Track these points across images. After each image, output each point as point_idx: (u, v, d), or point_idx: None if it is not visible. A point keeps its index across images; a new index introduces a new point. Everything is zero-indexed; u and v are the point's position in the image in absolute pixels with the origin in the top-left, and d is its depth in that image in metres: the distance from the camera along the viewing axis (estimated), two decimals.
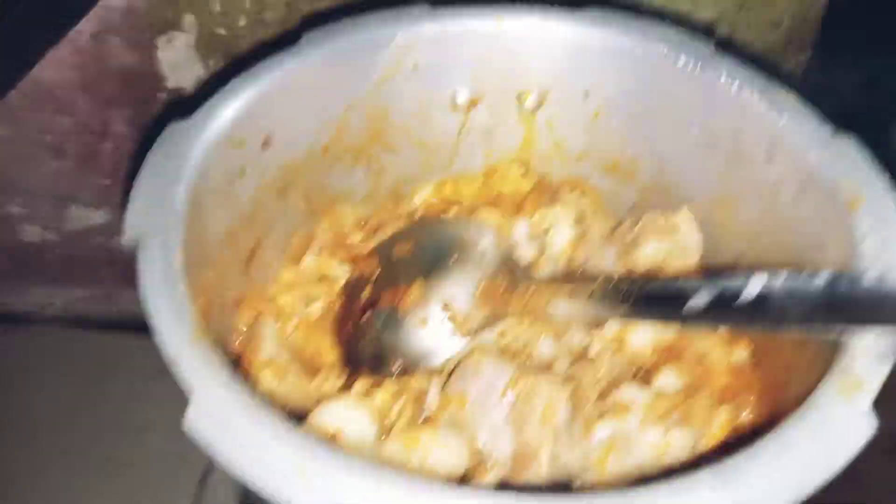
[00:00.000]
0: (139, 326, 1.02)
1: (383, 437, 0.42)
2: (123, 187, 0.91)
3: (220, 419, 0.29)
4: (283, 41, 0.45)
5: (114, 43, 0.76)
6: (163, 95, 0.79)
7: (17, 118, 0.83)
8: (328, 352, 0.47)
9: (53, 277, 1.04)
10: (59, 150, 0.86)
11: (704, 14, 0.63)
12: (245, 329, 0.45)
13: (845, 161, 0.40)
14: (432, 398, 0.43)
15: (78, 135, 0.85)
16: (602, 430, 0.40)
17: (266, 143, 0.44)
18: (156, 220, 0.36)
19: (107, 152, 0.87)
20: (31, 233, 0.97)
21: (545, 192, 0.55)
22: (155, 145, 0.39)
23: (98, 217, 0.94)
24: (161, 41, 0.74)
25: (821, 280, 0.32)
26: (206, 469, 0.93)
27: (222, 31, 0.72)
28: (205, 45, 0.73)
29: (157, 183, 0.37)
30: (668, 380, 0.43)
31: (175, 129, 0.40)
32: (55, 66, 0.79)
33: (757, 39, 0.66)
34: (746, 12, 0.64)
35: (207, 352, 0.31)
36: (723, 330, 0.46)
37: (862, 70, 0.86)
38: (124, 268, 0.99)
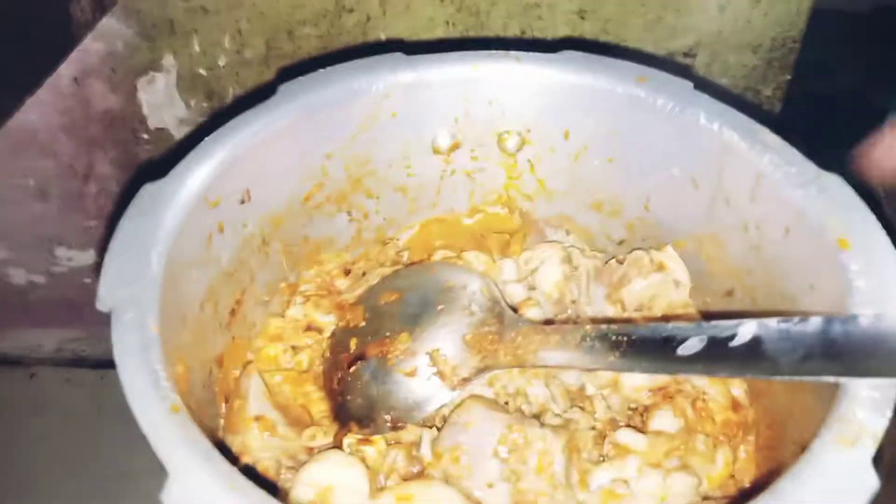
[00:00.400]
0: None
1: (376, 493, 0.41)
2: (109, 228, 0.90)
3: (199, 497, 0.28)
4: (259, 94, 0.45)
5: (95, 85, 0.75)
6: (145, 136, 0.78)
7: (3, 160, 0.83)
8: (317, 404, 0.46)
9: (42, 320, 1.03)
10: (42, 192, 0.86)
11: (684, 40, 0.63)
12: (230, 386, 0.44)
13: (832, 199, 0.39)
14: (424, 452, 0.42)
15: (62, 177, 0.84)
16: (601, 477, 0.40)
17: (245, 199, 0.44)
18: (130, 289, 0.35)
19: (91, 194, 0.86)
20: (17, 276, 0.97)
21: (531, 231, 0.54)
22: (128, 209, 0.39)
23: (85, 258, 0.94)
24: (142, 82, 0.74)
25: (814, 325, 0.32)
26: None
27: (202, 71, 0.72)
28: (186, 84, 0.73)
29: (130, 249, 0.37)
30: (665, 421, 0.43)
31: (148, 192, 0.40)
32: (37, 110, 0.79)
33: (737, 63, 0.65)
34: (725, 37, 0.63)
35: (185, 426, 0.30)
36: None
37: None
38: None
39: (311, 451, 0.44)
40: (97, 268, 0.93)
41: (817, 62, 0.70)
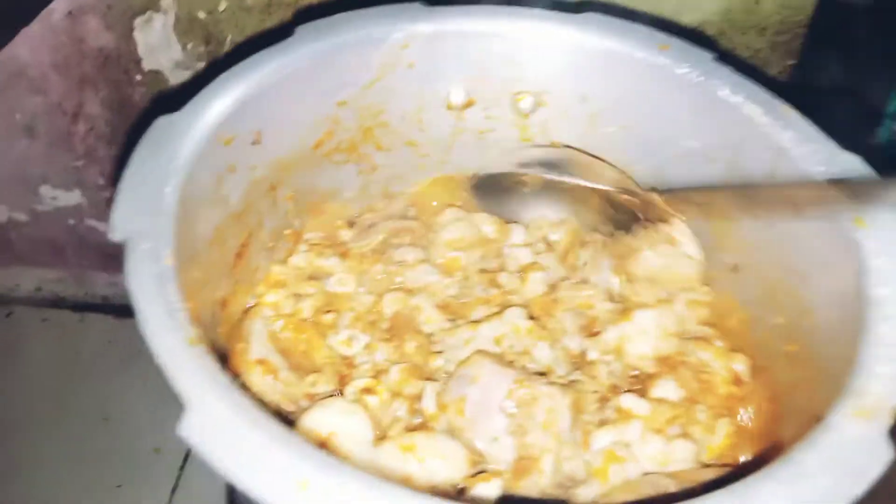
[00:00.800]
0: (111, 310, 1.00)
1: (379, 442, 0.41)
2: (97, 169, 0.89)
3: (219, 430, 0.28)
4: (276, 34, 0.44)
5: (90, 22, 0.73)
6: (139, 77, 0.77)
7: None
8: (319, 351, 0.46)
9: (21, 258, 1.01)
10: (29, 129, 0.84)
11: (689, 18, 0.63)
12: (232, 329, 0.44)
13: (851, 178, 0.39)
14: (428, 404, 0.42)
15: (50, 115, 0.82)
16: (602, 438, 0.40)
17: (256, 140, 0.43)
18: (144, 220, 0.34)
19: (80, 133, 0.84)
20: None
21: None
22: (142, 141, 0.38)
23: (70, 198, 0.92)
24: (138, 22, 0.72)
25: None
26: (186, 455, 0.92)
27: (202, 15, 0.70)
28: (183, 27, 0.71)
29: (145, 181, 0.36)
30: (668, 390, 0.43)
31: (162, 125, 0.39)
32: (28, 45, 0.77)
33: (742, 44, 0.65)
34: (733, 16, 0.63)
35: (203, 358, 0.30)
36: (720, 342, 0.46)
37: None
38: (96, 251, 0.98)
39: (312, 398, 0.44)
40: (81, 209, 0.93)
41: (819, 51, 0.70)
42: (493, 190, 0.53)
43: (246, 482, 0.27)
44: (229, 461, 0.27)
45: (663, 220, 0.48)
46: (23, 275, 1.03)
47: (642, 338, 0.45)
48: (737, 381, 0.45)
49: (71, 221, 0.95)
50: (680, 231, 0.47)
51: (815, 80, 0.71)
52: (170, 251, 0.34)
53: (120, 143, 0.85)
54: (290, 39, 0.44)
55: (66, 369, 0.98)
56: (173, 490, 0.91)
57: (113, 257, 1.02)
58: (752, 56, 0.66)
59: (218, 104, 0.40)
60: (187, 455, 0.92)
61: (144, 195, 0.35)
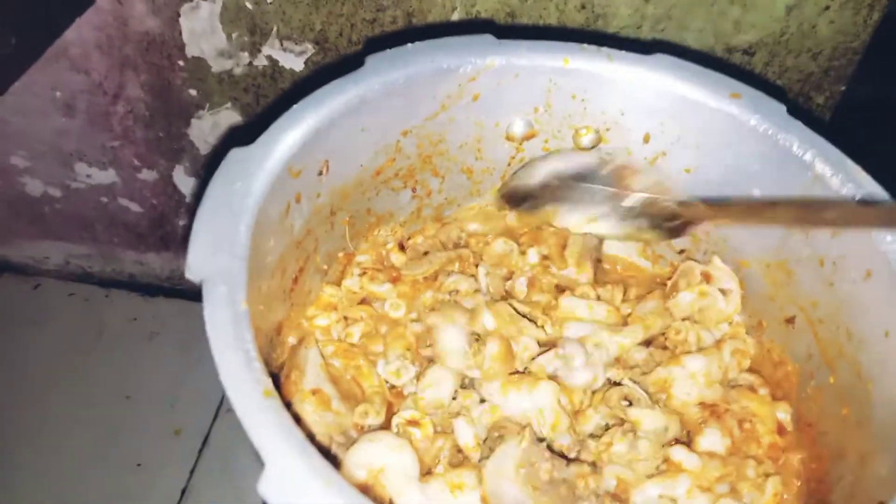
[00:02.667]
0: (137, 287, 1.00)
1: (425, 478, 0.42)
2: (133, 150, 0.89)
3: (297, 488, 0.28)
4: (346, 64, 0.44)
5: (136, 6, 0.73)
6: (181, 63, 0.76)
7: (29, 70, 0.81)
8: (368, 378, 0.46)
9: (52, 232, 1.02)
10: (69, 107, 0.84)
11: (745, 37, 0.62)
12: (286, 355, 0.44)
13: None
14: (465, 439, 0.43)
15: (90, 94, 0.82)
16: (649, 490, 0.41)
17: (323, 171, 0.43)
18: (221, 261, 0.34)
19: (118, 114, 0.84)
20: (33, 186, 0.95)
21: None
22: (216, 174, 0.38)
23: (104, 177, 0.92)
24: (185, 8, 0.72)
25: None
26: (206, 438, 0.93)
27: (249, 5, 0.69)
28: (229, 16, 0.71)
29: (220, 217, 0.36)
30: (714, 440, 0.43)
31: (236, 158, 0.38)
32: (74, 24, 0.76)
33: (794, 67, 0.65)
34: (787, 39, 0.63)
35: (279, 413, 0.30)
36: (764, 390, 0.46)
37: None
38: (126, 230, 0.98)
39: (361, 429, 0.44)
40: (114, 189, 0.93)
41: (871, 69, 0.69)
42: (523, 197, 0.53)
43: None
44: None
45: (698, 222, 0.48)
46: (52, 249, 1.04)
47: (689, 382, 0.46)
48: (780, 430, 0.45)
49: (104, 199, 0.95)
50: (716, 267, 0.47)
51: (866, 105, 0.70)
52: (243, 293, 0.34)
53: (158, 127, 0.85)
54: (361, 70, 0.43)
55: (89, 344, 0.99)
56: (192, 472, 0.92)
57: (142, 237, 1.03)
58: (804, 79, 0.66)
59: (290, 137, 0.40)
60: (206, 437, 0.94)
61: (220, 233, 0.35)
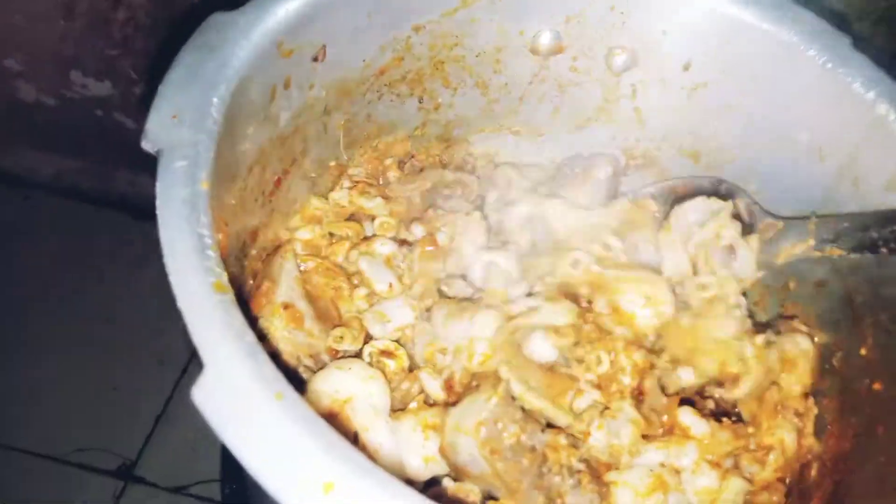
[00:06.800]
0: (129, 208, 0.96)
1: (396, 414, 0.37)
2: (131, 61, 0.84)
3: (237, 402, 0.24)
4: None
5: None
6: None
7: None
8: (347, 302, 0.41)
9: (44, 143, 0.97)
10: (69, 8, 0.79)
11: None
12: (260, 264, 0.39)
13: None
14: (433, 389, 0.39)
15: None
16: (651, 456, 0.36)
17: (319, 56, 0.38)
18: (184, 132, 0.29)
19: (119, 20, 0.79)
20: (27, 92, 0.90)
21: None
22: (192, 38, 0.33)
23: (100, 88, 0.87)
24: None
25: None
26: (185, 367, 0.90)
27: None
28: None
29: (191, 86, 0.31)
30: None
31: (218, 23, 0.33)
32: None
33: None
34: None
35: (229, 310, 0.25)
36: None
37: None
38: (120, 147, 0.93)
39: (334, 353, 0.39)
40: (111, 101, 0.88)
41: None
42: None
43: (266, 479, 0.22)
44: (240, 442, 0.23)
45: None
46: (44, 160, 0.99)
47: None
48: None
49: (98, 112, 0.90)
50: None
51: None
52: (207, 173, 0.29)
53: (159, 37, 0.80)
54: None
55: (77, 262, 0.95)
56: (168, 400, 0.89)
57: (137, 155, 0.98)
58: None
59: (283, 7, 0.34)
60: (185, 368, 0.90)
61: (188, 102, 0.30)
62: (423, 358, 0.39)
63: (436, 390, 0.39)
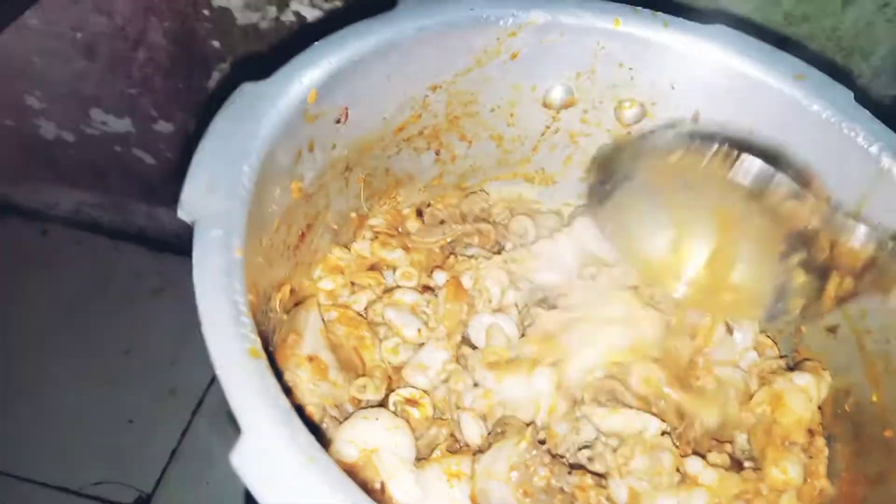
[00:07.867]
0: (146, 242, 0.98)
1: (421, 463, 0.38)
2: (151, 99, 0.86)
3: (274, 465, 0.25)
4: (377, 6, 0.40)
5: None
6: (206, 13, 0.73)
7: (50, 9, 0.78)
8: (370, 351, 0.43)
9: (63, 178, 0.99)
10: (89, 49, 0.81)
11: (796, 31, 0.57)
12: (285, 316, 0.41)
13: None
14: (470, 434, 0.40)
15: (112, 38, 0.79)
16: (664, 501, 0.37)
17: (340, 119, 0.39)
18: (218, 201, 0.31)
19: (139, 60, 0.81)
20: (48, 129, 0.92)
21: None
22: (224, 107, 0.34)
23: (119, 125, 0.89)
24: None
25: None
26: (201, 399, 0.91)
27: None
28: None
29: (223, 155, 0.32)
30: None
31: (248, 92, 0.35)
32: None
33: (842, 69, 0.60)
34: (839, 35, 0.58)
35: (264, 376, 0.27)
36: None
37: None
38: (139, 182, 0.95)
39: (358, 403, 0.41)
40: (129, 138, 0.90)
41: None
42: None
43: None
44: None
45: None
46: (63, 195, 1.01)
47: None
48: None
49: (118, 148, 0.92)
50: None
51: None
52: (240, 240, 0.30)
53: (179, 77, 0.82)
54: (393, 11, 0.40)
55: (93, 295, 0.97)
56: (183, 433, 0.90)
57: (154, 190, 1.00)
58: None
59: (308, 76, 0.36)
60: (201, 400, 0.91)
61: (220, 172, 0.32)
62: (477, 411, 0.41)
63: (474, 435, 0.40)
